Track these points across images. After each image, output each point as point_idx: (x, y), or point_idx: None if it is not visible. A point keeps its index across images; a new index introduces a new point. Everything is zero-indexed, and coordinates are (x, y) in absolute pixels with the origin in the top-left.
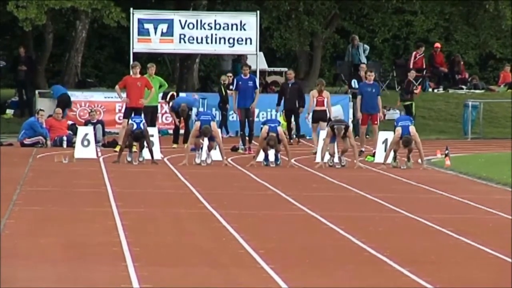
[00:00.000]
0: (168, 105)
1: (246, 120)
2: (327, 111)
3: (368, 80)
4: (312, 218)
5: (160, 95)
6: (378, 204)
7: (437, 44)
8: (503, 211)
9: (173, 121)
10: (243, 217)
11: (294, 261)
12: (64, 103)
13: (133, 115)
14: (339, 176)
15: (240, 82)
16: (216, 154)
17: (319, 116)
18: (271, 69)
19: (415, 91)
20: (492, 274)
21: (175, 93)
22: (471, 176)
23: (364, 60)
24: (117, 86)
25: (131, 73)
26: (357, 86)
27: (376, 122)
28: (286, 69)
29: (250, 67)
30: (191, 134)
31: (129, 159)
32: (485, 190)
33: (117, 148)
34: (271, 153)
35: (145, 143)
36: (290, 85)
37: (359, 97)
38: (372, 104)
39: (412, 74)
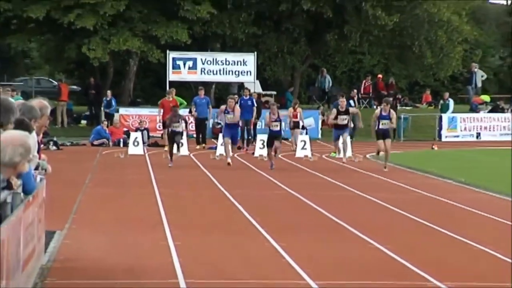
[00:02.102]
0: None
1: (246, 128)
2: (300, 121)
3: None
4: (293, 196)
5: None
6: (339, 186)
7: (379, 75)
8: (424, 190)
9: (195, 128)
10: (247, 196)
11: (282, 227)
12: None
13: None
14: (313, 167)
15: (242, 101)
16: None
17: (295, 125)
18: (264, 92)
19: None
20: (425, 237)
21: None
22: (403, 166)
23: (328, 85)
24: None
25: (166, 97)
26: (352, 105)
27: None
28: (275, 92)
29: (249, 90)
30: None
31: (168, 156)
32: (412, 177)
33: (166, 148)
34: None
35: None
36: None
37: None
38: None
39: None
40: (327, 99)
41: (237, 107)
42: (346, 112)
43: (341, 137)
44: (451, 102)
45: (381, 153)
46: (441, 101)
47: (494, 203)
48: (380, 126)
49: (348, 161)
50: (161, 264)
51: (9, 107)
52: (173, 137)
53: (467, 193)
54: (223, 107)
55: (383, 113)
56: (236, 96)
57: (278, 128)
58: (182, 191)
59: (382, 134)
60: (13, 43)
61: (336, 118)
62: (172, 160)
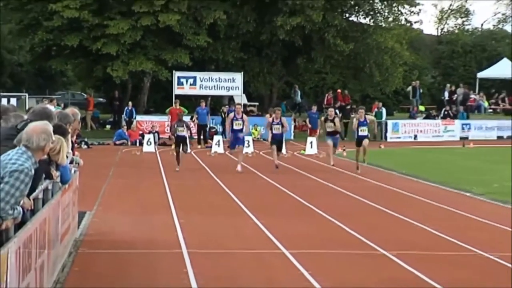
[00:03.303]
0: (194, 122)
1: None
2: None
3: (313, 110)
4: (272, 185)
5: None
6: (308, 177)
7: (339, 90)
8: (374, 180)
9: (197, 132)
10: (236, 185)
11: (263, 209)
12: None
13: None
14: (287, 162)
15: (230, 111)
16: (219, 149)
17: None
18: (249, 103)
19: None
20: (375, 217)
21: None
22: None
23: (299, 99)
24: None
25: (173, 105)
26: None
27: (316, 134)
28: (257, 103)
29: (236, 102)
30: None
31: (175, 153)
32: (366, 169)
33: (173, 147)
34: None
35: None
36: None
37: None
38: (316, 123)
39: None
40: (298, 109)
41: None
42: (334, 120)
43: (331, 141)
44: (383, 110)
45: (360, 155)
46: (376, 109)
47: (429, 190)
48: (360, 133)
49: (314, 157)
50: (168, 237)
51: (49, 114)
52: (179, 143)
53: (407, 182)
54: (270, 119)
55: (361, 120)
56: (227, 106)
57: (280, 132)
58: (185, 181)
59: (361, 140)
60: (53, 65)
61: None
62: (179, 165)
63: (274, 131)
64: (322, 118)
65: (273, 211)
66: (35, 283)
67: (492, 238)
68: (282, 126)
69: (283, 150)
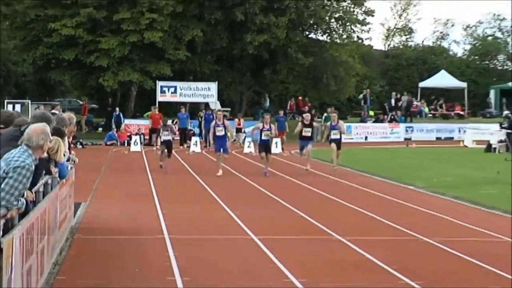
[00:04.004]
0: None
1: (208, 132)
2: (242, 128)
3: (280, 115)
4: (244, 180)
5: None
6: (275, 173)
7: (300, 97)
8: (331, 175)
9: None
10: (212, 180)
11: (237, 201)
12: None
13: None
14: (256, 159)
15: (206, 115)
16: (197, 148)
17: (238, 130)
18: (223, 109)
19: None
20: (330, 206)
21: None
22: (315, 159)
23: (267, 105)
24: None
25: (153, 111)
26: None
27: (282, 135)
28: (230, 109)
29: (211, 108)
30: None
31: (159, 152)
32: (323, 166)
33: (156, 147)
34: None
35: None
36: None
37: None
38: (283, 126)
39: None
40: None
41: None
42: (310, 125)
43: (305, 147)
44: (330, 115)
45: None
46: (325, 114)
47: (378, 184)
48: (332, 136)
49: (279, 155)
50: (153, 225)
51: (48, 118)
52: (165, 147)
53: (360, 177)
54: (260, 125)
55: (333, 123)
56: (203, 111)
57: (268, 138)
58: (167, 176)
59: (334, 143)
60: (53, 76)
61: (301, 130)
62: (163, 167)
63: (263, 137)
64: (300, 124)
65: (244, 203)
66: (37, 265)
67: (431, 225)
68: (271, 132)
69: (252, 150)
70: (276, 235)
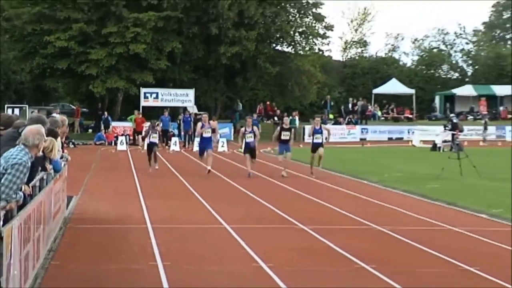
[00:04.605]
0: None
1: (186, 134)
2: (216, 129)
3: (254, 118)
4: (220, 178)
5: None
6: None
7: (268, 102)
8: (297, 172)
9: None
10: (192, 178)
11: (212, 196)
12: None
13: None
14: (230, 158)
15: (184, 118)
16: (176, 147)
17: (212, 131)
18: (199, 112)
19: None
20: (298, 200)
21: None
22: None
23: (240, 109)
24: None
25: (136, 115)
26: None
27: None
28: (207, 113)
29: (189, 111)
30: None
31: (143, 151)
32: (292, 165)
33: (140, 146)
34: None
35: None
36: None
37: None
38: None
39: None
40: (239, 116)
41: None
42: (289, 129)
43: (285, 151)
44: (297, 118)
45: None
46: (290, 117)
47: (337, 180)
48: (315, 140)
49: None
50: (137, 215)
51: (43, 120)
52: (151, 148)
53: (320, 173)
54: (243, 129)
55: (316, 128)
56: (182, 114)
57: (252, 139)
58: (149, 172)
59: (316, 147)
60: (48, 83)
61: (280, 134)
62: (151, 166)
63: (247, 140)
64: (278, 128)
65: (218, 197)
66: (33, 251)
67: (383, 215)
68: (254, 134)
69: (225, 149)
70: (247, 224)
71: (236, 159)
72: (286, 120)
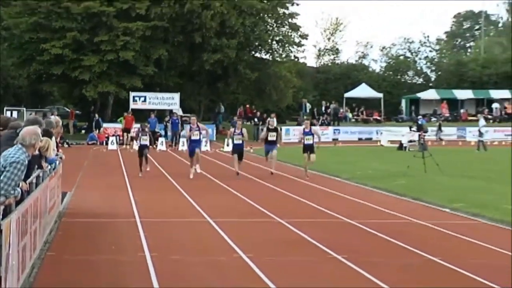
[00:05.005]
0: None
1: (175, 134)
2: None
3: (235, 119)
4: (201, 174)
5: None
6: (227, 168)
7: (247, 105)
8: (274, 169)
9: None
10: (175, 172)
11: (194, 190)
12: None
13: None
14: (212, 156)
15: (172, 120)
16: (163, 147)
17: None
18: (184, 115)
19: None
20: (273, 194)
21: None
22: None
23: (222, 111)
24: (123, 121)
25: (127, 114)
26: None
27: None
28: (195, 115)
29: (177, 114)
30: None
31: (136, 148)
32: (266, 163)
33: (128, 146)
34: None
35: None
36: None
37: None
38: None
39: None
40: (221, 118)
41: (244, 129)
42: (275, 129)
43: (270, 152)
44: (274, 120)
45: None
46: (269, 118)
47: (313, 177)
48: (305, 142)
49: (230, 152)
50: (126, 210)
51: (39, 121)
52: (142, 150)
53: (296, 171)
54: (231, 130)
55: (306, 130)
56: (168, 116)
57: (240, 141)
58: (138, 169)
59: (307, 148)
60: (44, 88)
61: (267, 135)
62: (142, 171)
63: (235, 141)
64: (264, 129)
65: (202, 191)
66: (30, 243)
67: (354, 209)
68: (243, 136)
69: (208, 148)
70: (228, 218)
71: (219, 158)
72: (272, 121)
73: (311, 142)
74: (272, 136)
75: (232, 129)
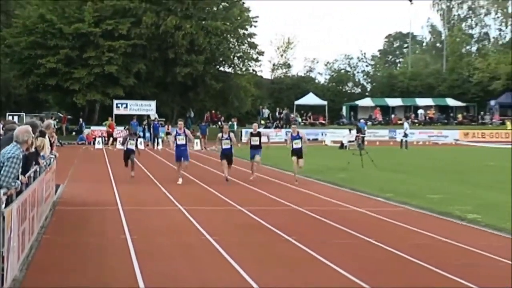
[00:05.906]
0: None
1: (156, 136)
2: (170, 132)
3: (203, 123)
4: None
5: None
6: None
7: (213, 111)
8: (240, 166)
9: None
10: (156, 170)
11: (169, 182)
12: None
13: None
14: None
15: (154, 124)
16: (141, 146)
17: (167, 134)
18: (160, 119)
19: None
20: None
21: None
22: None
23: (192, 116)
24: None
25: (110, 121)
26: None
27: (204, 138)
28: (164, 119)
29: (156, 118)
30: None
31: (119, 147)
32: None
33: (113, 143)
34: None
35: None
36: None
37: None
38: (204, 131)
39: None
40: (190, 122)
41: (232, 134)
42: (258, 134)
43: (256, 156)
44: (235, 123)
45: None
46: (230, 122)
47: (268, 172)
48: (294, 146)
49: (201, 152)
50: (110, 199)
51: (34, 123)
52: (129, 155)
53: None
54: (219, 134)
55: (293, 134)
56: (146, 121)
57: (229, 146)
58: (120, 165)
59: (295, 153)
60: (41, 96)
61: (250, 140)
62: (133, 170)
63: (223, 146)
64: (248, 133)
65: (174, 183)
66: (29, 227)
67: (303, 198)
68: (231, 141)
69: (199, 147)
70: (197, 206)
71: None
72: (255, 126)
73: (299, 146)
74: (255, 141)
75: (219, 134)
